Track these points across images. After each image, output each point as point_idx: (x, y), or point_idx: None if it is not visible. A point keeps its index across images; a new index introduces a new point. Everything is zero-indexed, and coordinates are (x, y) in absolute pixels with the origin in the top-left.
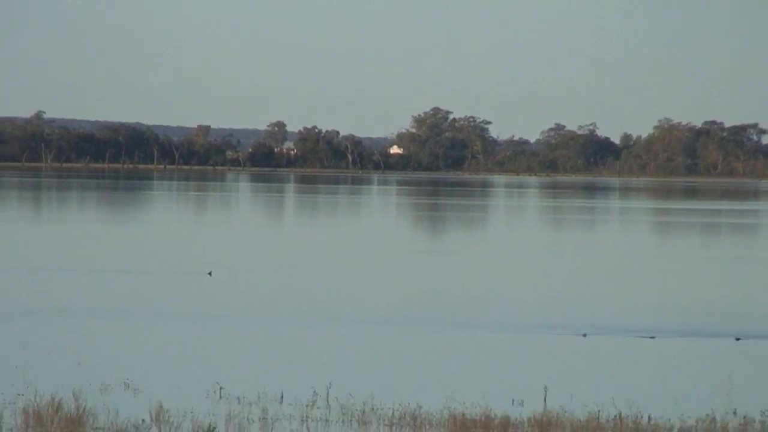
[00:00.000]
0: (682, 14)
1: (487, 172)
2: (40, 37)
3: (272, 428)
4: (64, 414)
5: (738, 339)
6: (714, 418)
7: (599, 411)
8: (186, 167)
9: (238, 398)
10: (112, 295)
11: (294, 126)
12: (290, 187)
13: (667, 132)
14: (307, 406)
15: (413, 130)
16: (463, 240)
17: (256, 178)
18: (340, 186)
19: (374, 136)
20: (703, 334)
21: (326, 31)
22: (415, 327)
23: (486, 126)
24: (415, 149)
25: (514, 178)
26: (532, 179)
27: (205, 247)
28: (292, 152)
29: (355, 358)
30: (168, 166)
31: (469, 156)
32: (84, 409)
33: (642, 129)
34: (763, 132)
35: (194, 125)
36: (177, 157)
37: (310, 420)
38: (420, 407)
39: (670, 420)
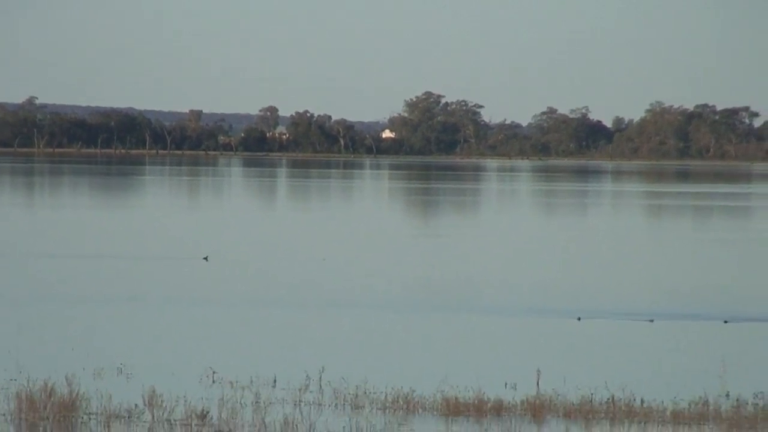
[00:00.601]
0: None
1: (480, 156)
2: (32, 23)
3: (265, 412)
4: (57, 399)
5: (726, 322)
6: (707, 401)
7: (592, 394)
8: (178, 152)
9: (231, 382)
10: (107, 281)
11: (286, 111)
12: (283, 171)
13: (659, 115)
14: (299, 390)
15: (405, 115)
16: (456, 224)
17: (248, 163)
18: (333, 170)
19: (366, 120)
20: (696, 318)
21: (318, 16)
22: (408, 311)
23: (478, 110)
24: (407, 133)
25: (507, 162)
26: (525, 163)
27: (200, 232)
28: (284, 137)
29: (348, 342)
30: (160, 152)
31: (462, 140)
32: (77, 394)
33: (634, 112)
34: (755, 115)
35: (186, 110)
36: (169, 142)
37: (302, 404)
38: (413, 391)
39: (663, 403)
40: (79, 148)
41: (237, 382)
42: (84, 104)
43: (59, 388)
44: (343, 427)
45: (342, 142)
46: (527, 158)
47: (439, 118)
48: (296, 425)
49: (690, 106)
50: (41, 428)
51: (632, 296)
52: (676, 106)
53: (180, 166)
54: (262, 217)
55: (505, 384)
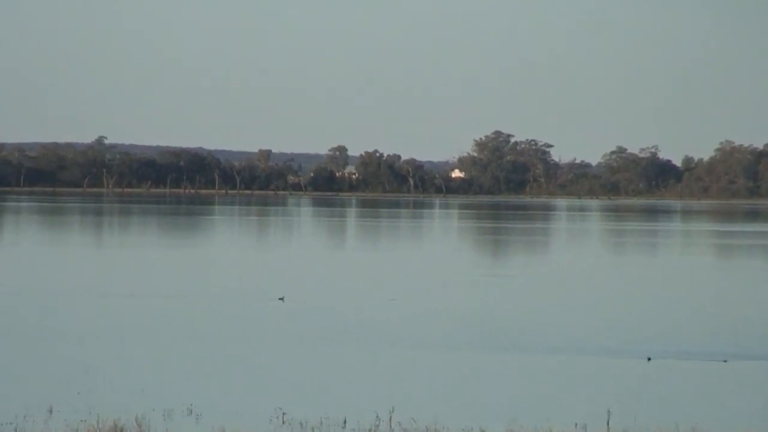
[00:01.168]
0: (744, 37)
1: (549, 196)
2: (101, 63)
3: None
4: None
5: None
6: None
7: None
8: (247, 192)
9: (300, 423)
10: (179, 321)
11: (355, 150)
12: (353, 211)
13: (728, 154)
14: (369, 430)
15: (475, 154)
16: (525, 263)
17: (318, 203)
18: (402, 210)
19: (435, 159)
20: None
21: (387, 56)
22: (477, 350)
23: (547, 149)
24: (476, 173)
25: (576, 202)
26: (594, 202)
27: (273, 271)
28: (353, 176)
29: (418, 382)
30: (229, 191)
31: (531, 179)
32: None
33: (703, 151)
34: None
35: (256, 150)
36: (238, 181)
37: None
38: (483, 430)
39: None
40: (149, 187)
41: (307, 422)
42: (153, 144)
43: (129, 429)
44: None
45: (411, 181)
46: (596, 198)
47: (508, 157)
48: None
49: (760, 145)
50: None
51: (704, 336)
52: (746, 144)
53: (249, 205)
54: (334, 257)
55: (575, 424)
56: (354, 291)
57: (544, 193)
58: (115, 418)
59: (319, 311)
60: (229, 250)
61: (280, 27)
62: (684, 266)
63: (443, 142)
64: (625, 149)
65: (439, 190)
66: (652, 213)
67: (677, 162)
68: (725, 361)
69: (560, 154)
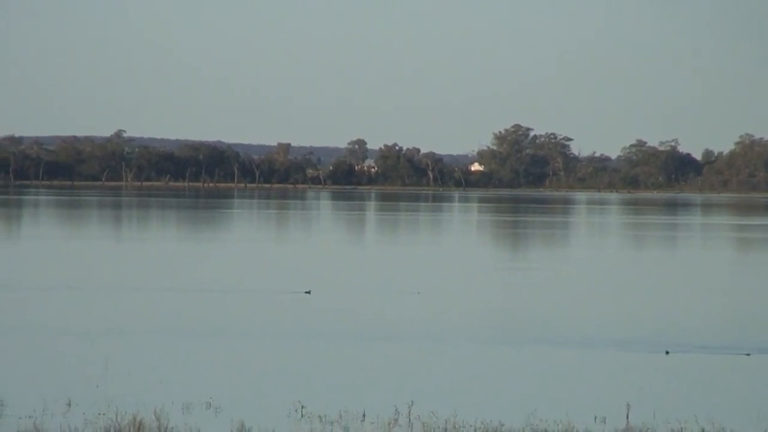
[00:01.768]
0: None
1: (568, 189)
2: (119, 57)
3: None
4: None
5: None
6: None
7: (682, 429)
8: (266, 185)
9: (319, 416)
10: (200, 314)
11: (374, 144)
12: (372, 204)
13: (748, 148)
14: (389, 424)
15: (494, 147)
16: (544, 257)
17: (337, 196)
18: (422, 203)
19: (455, 153)
20: None
21: (405, 48)
22: (496, 344)
23: (567, 143)
24: (495, 166)
25: (595, 195)
26: (613, 196)
27: (296, 265)
28: (372, 170)
29: (438, 375)
30: (248, 185)
31: (550, 173)
32: (166, 429)
33: (723, 145)
34: None
35: (275, 143)
36: (257, 175)
37: None
38: (502, 425)
39: None
40: (167, 181)
41: (325, 416)
42: (172, 137)
43: (148, 422)
44: None
45: (431, 175)
46: (616, 191)
47: (527, 150)
48: None
49: None
50: None
51: (725, 330)
52: (766, 138)
53: (269, 199)
54: (357, 251)
55: (595, 418)
56: (378, 284)
57: (564, 187)
58: (133, 411)
59: (344, 305)
60: (251, 243)
61: (301, 20)
62: (704, 260)
63: (463, 135)
64: (645, 143)
65: (458, 184)
66: (672, 206)
67: (697, 155)
68: (748, 355)
69: (580, 148)
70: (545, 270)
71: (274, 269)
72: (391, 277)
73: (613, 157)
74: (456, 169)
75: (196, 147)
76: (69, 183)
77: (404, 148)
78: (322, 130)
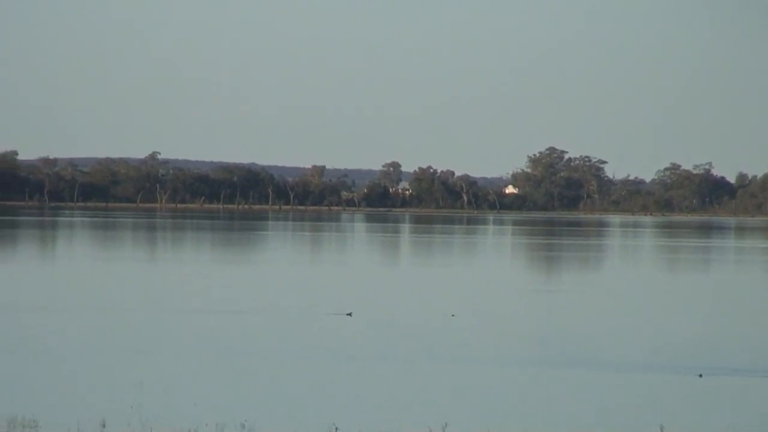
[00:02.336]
0: None
1: (603, 212)
2: (155, 79)
3: None
4: None
5: None
6: None
7: None
8: (301, 207)
9: None
10: (236, 335)
11: (409, 166)
12: (407, 227)
13: None
14: None
15: (528, 170)
16: (578, 279)
17: (371, 219)
18: (456, 226)
19: (489, 176)
20: None
21: (441, 71)
22: (530, 366)
23: (601, 166)
24: (530, 189)
25: (630, 218)
26: (648, 219)
27: (336, 287)
28: (407, 192)
29: (472, 397)
30: (283, 207)
31: (585, 195)
32: None
33: (758, 168)
34: None
35: (309, 165)
36: (292, 197)
37: None
38: None
39: None
40: (202, 203)
41: None
42: (207, 159)
43: None
44: None
45: (465, 197)
46: (650, 214)
47: (562, 173)
48: None
49: None
50: None
51: (759, 353)
52: None
53: (303, 221)
54: (393, 273)
55: None
56: (416, 306)
57: (598, 210)
58: (167, 431)
59: (383, 327)
60: (288, 265)
61: (335, 44)
62: (738, 282)
63: (497, 158)
64: (679, 166)
65: (492, 206)
66: (706, 230)
67: (731, 179)
68: None
69: (614, 171)
70: (579, 293)
71: (313, 291)
72: (428, 299)
73: (648, 180)
74: (490, 191)
75: (231, 169)
76: (103, 204)
77: (439, 171)
78: (356, 153)
